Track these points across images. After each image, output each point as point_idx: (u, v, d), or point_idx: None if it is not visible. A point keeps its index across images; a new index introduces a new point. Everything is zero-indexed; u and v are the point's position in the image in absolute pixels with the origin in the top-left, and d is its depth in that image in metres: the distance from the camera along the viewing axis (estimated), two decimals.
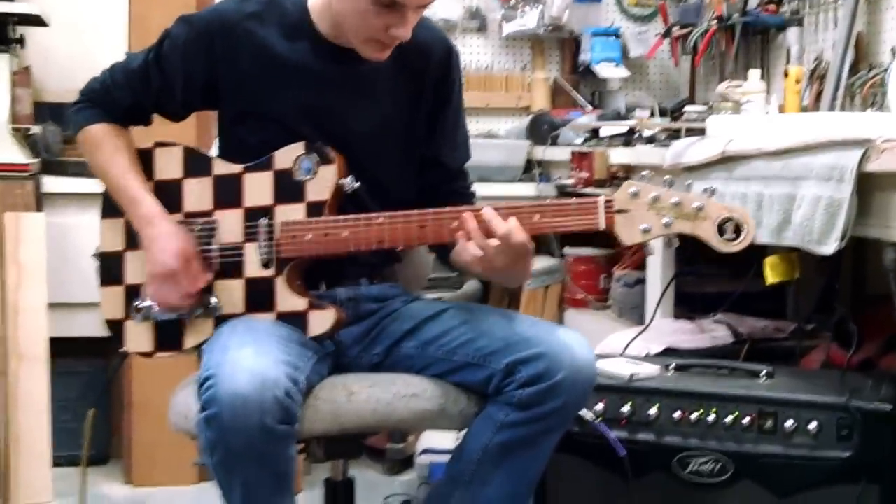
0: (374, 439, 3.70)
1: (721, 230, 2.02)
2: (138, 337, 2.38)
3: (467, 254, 2.14)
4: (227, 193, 2.32)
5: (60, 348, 3.55)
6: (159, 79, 2.36)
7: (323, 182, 2.27)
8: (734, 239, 2.02)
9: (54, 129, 3.92)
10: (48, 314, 3.42)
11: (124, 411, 3.83)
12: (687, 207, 2.03)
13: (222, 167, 2.35)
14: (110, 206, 2.40)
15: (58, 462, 3.43)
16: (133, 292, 2.37)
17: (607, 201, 2.08)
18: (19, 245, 3.42)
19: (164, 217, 2.30)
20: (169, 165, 2.38)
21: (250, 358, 2.01)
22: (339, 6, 2.22)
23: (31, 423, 3.37)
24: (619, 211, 2.07)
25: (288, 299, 2.27)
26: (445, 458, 3.28)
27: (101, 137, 2.38)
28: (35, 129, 3.89)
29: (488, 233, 2.11)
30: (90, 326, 3.64)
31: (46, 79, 4.17)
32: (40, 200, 3.69)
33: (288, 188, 2.28)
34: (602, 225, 2.09)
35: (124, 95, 2.38)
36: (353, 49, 2.29)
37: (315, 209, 2.26)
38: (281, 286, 2.27)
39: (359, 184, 2.28)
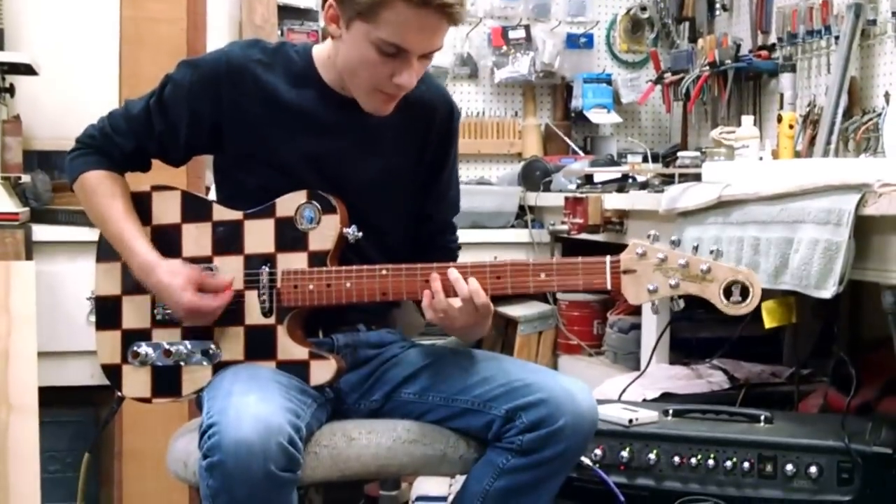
0: (366, 487, 3.67)
1: (728, 293, 2.03)
2: (136, 382, 2.36)
3: (429, 311, 2.18)
4: (228, 240, 2.31)
5: (49, 397, 3.52)
6: (162, 122, 2.34)
7: (326, 232, 2.26)
8: (740, 302, 2.03)
9: (44, 178, 3.91)
10: (38, 363, 3.39)
11: (114, 461, 3.80)
12: (694, 269, 2.04)
13: (222, 213, 2.34)
14: (105, 251, 2.39)
15: None
16: (130, 337, 2.36)
17: (613, 262, 2.10)
18: (9, 294, 3.41)
19: (160, 262, 2.29)
20: (167, 210, 2.36)
21: (254, 404, 2.00)
22: (345, 56, 2.21)
23: (21, 474, 3.32)
24: (626, 271, 2.09)
25: (289, 348, 2.26)
26: None
27: (96, 184, 2.37)
28: (25, 177, 3.88)
29: (452, 293, 2.15)
30: (80, 375, 3.65)
31: (36, 127, 4.16)
32: (30, 249, 3.66)
33: (290, 237, 2.27)
34: (609, 285, 2.10)
35: (126, 141, 2.37)
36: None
37: (317, 259, 2.26)
38: (282, 335, 2.26)
39: (361, 234, 2.27)
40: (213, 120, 2.32)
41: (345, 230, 2.26)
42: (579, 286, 2.13)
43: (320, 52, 2.34)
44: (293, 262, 2.26)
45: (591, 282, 2.11)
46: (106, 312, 2.39)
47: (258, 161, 2.32)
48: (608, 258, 2.10)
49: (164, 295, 2.27)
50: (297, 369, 2.24)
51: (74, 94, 4.15)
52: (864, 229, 2.39)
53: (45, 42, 4.25)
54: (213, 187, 2.49)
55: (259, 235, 2.29)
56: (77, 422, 3.88)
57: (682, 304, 2.09)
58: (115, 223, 2.33)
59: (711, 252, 2.06)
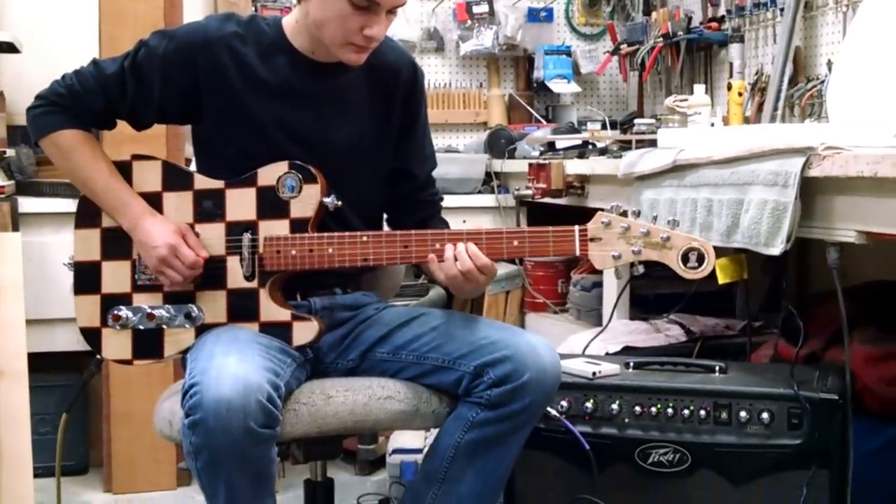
0: (345, 442, 3.76)
1: (685, 259, 2.17)
2: (116, 345, 2.41)
3: (441, 274, 2.28)
4: (209, 208, 2.37)
5: (38, 363, 3.55)
6: (135, 87, 2.37)
7: (307, 200, 2.33)
8: (696, 267, 2.18)
9: (28, 152, 3.94)
10: (26, 330, 3.43)
11: (102, 421, 3.86)
12: (654, 237, 2.18)
13: (203, 182, 2.39)
14: (84, 217, 2.43)
15: (37, 473, 3.39)
16: (109, 301, 2.40)
17: (581, 231, 2.22)
18: None
19: (156, 213, 2.36)
20: (148, 179, 2.41)
21: (234, 364, 2.07)
22: (316, 13, 2.27)
23: (12, 436, 3.34)
24: (593, 239, 2.22)
25: (271, 310, 2.33)
26: (415, 457, 3.37)
27: (74, 144, 2.39)
28: (9, 152, 3.90)
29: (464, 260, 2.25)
30: (67, 341, 3.70)
31: (19, 102, 4.14)
32: (16, 220, 3.71)
33: (272, 205, 2.34)
34: (577, 252, 2.23)
35: (96, 101, 2.38)
36: (328, 64, 2.37)
37: (299, 226, 2.32)
38: (264, 298, 2.33)
39: (340, 202, 2.35)
40: (187, 88, 2.36)
41: (325, 199, 2.33)
42: (549, 253, 2.26)
43: (289, 21, 2.40)
44: (275, 228, 2.33)
45: (561, 249, 2.24)
46: (85, 277, 2.42)
47: (236, 128, 2.37)
48: (577, 228, 2.22)
49: (149, 233, 2.33)
50: (280, 331, 2.31)
51: (56, 70, 4.15)
52: (810, 190, 2.46)
53: (26, 20, 4.31)
54: (193, 160, 2.53)
55: (240, 203, 2.35)
56: (65, 386, 3.92)
57: (641, 269, 2.23)
58: (103, 180, 2.38)
59: (669, 222, 2.18)
